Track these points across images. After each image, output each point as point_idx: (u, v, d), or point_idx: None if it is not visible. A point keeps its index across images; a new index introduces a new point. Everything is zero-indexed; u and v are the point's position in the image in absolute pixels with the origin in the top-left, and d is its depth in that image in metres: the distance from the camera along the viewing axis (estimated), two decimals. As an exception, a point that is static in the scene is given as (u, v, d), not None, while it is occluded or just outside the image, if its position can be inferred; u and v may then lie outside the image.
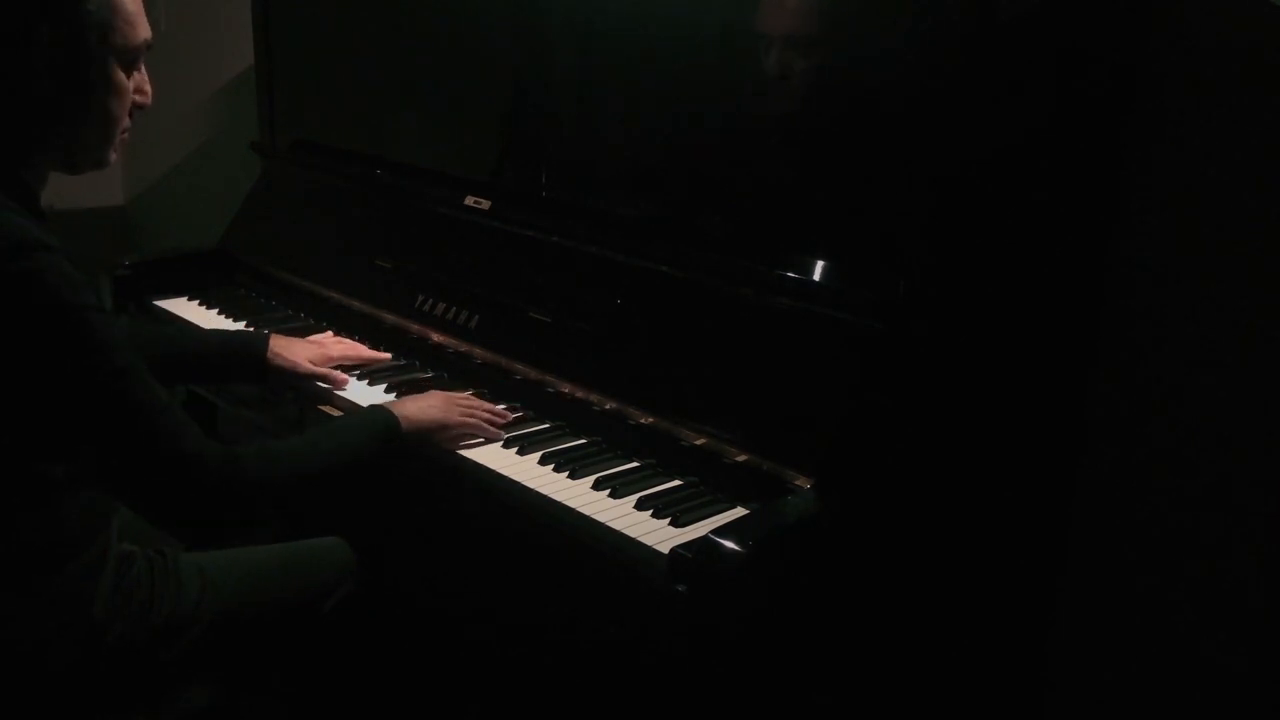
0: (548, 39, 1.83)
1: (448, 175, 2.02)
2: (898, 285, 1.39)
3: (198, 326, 2.09)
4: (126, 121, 1.33)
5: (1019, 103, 1.41)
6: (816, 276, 1.47)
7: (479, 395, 1.72)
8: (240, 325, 2.09)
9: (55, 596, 1.30)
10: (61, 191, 1.33)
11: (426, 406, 1.55)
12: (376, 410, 1.53)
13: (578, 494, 1.44)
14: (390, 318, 1.97)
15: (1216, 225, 1.56)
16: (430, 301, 1.90)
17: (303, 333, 2.03)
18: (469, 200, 1.93)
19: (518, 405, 1.69)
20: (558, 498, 1.44)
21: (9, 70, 1.22)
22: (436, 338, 1.88)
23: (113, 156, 1.35)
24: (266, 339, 1.80)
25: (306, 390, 1.79)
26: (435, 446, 1.55)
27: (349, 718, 1.86)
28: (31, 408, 1.22)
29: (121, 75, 1.29)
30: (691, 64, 1.62)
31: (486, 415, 1.60)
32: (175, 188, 3.19)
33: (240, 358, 1.79)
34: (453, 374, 1.81)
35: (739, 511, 1.38)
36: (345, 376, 1.79)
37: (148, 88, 1.35)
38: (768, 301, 1.50)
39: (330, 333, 1.98)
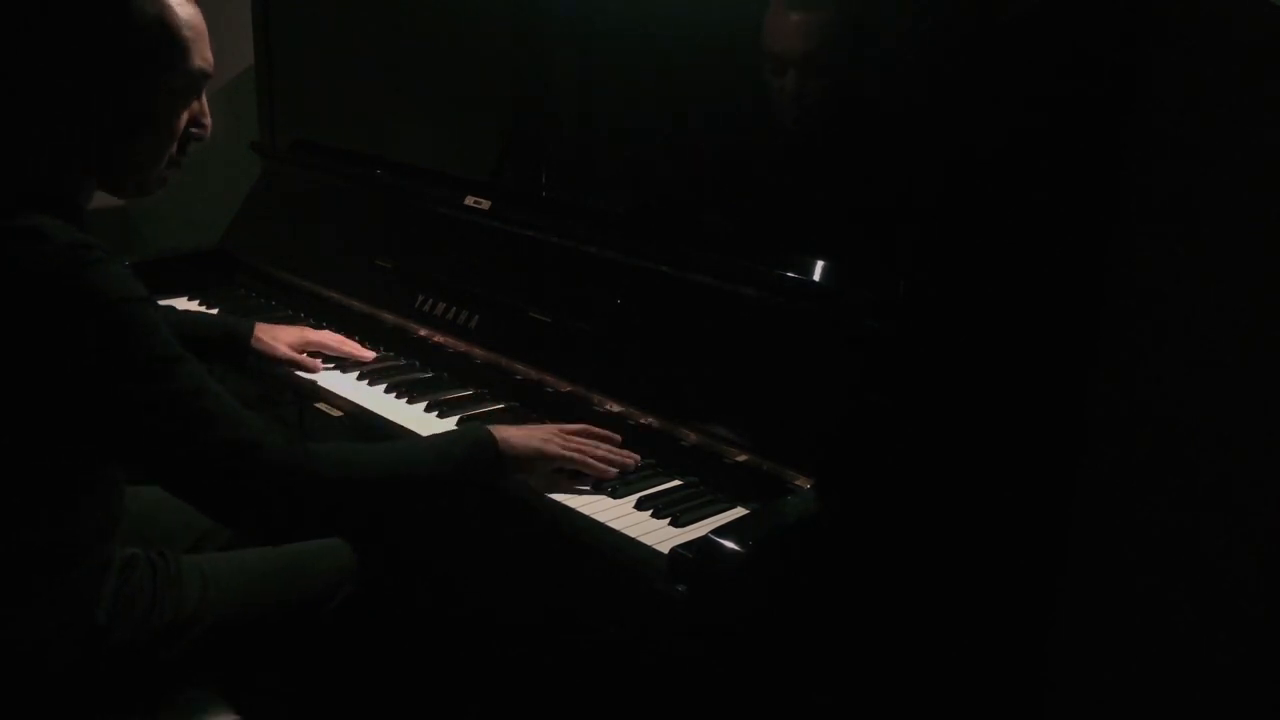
0: (548, 39, 1.83)
1: (448, 175, 2.02)
2: (898, 285, 1.39)
3: (186, 310, 2.12)
4: (174, 149, 1.30)
5: (1019, 103, 1.41)
6: (816, 276, 1.47)
7: (481, 394, 1.72)
8: (240, 325, 2.10)
9: (58, 599, 1.30)
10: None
11: (528, 434, 1.42)
12: (473, 427, 1.44)
13: (578, 494, 1.44)
14: (390, 318, 1.97)
15: (1216, 225, 1.56)
16: (430, 301, 1.90)
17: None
18: (469, 200, 1.93)
19: (516, 404, 1.69)
20: (558, 498, 1.43)
21: (61, 90, 1.21)
22: (436, 338, 1.88)
23: (160, 184, 1.32)
24: (252, 325, 1.85)
25: (282, 375, 1.82)
26: (535, 479, 1.42)
27: (350, 718, 1.87)
28: (64, 407, 1.20)
29: (176, 104, 1.26)
30: (691, 64, 1.61)
31: (599, 452, 1.45)
32: (175, 188, 3.18)
33: (223, 340, 1.83)
34: (453, 374, 1.81)
35: (739, 511, 1.38)
36: (318, 363, 1.82)
37: (207, 120, 1.32)
38: (768, 301, 1.50)
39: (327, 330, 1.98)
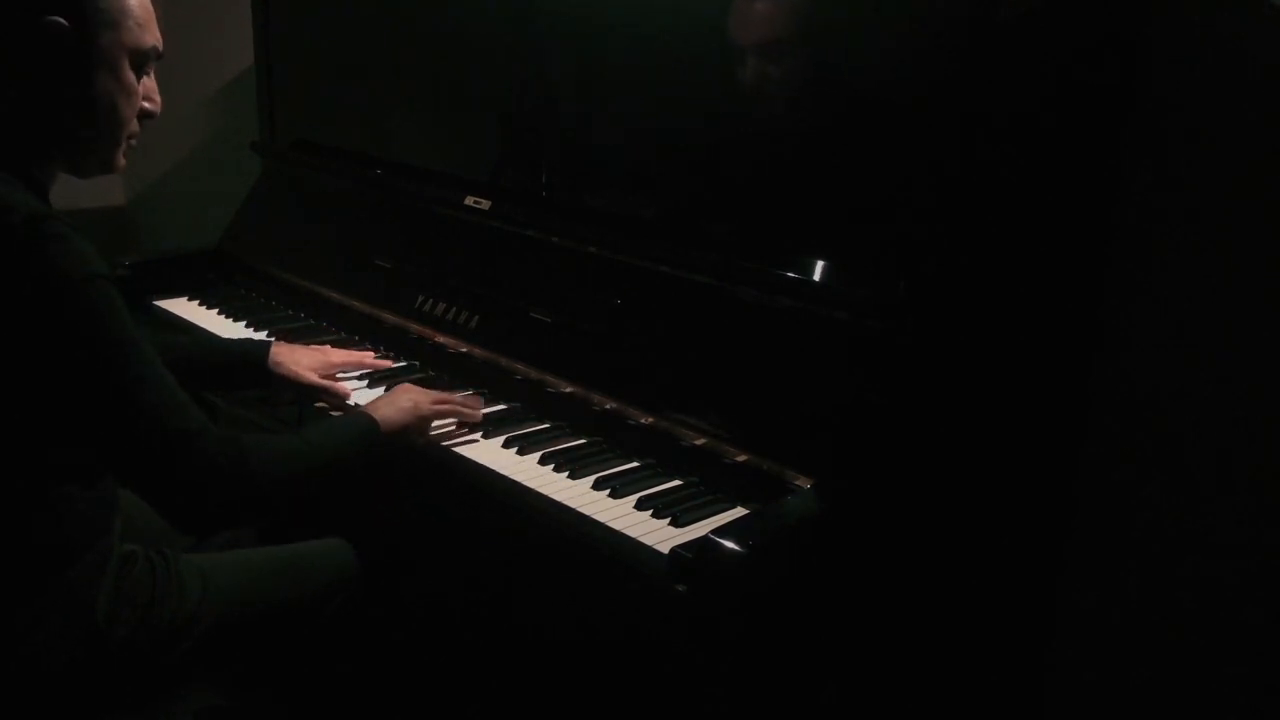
0: (548, 39, 1.83)
1: (448, 175, 2.02)
2: (898, 285, 1.39)
3: (206, 332, 2.08)
4: (134, 126, 1.33)
5: (1019, 103, 1.41)
6: (817, 276, 1.47)
7: (480, 394, 1.72)
8: (240, 325, 2.09)
9: (57, 598, 1.30)
10: (62, 192, 1.34)
11: (399, 408, 1.55)
12: (358, 416, 1.53)
13: (578, 494, 1.44)
14: (390, 318, 1.97)
15: (1216, 225, 1.56)
16: (430, 301, 1.90)
17: (303, 333, 2.03)
18: (469, 200, 1.93)
19: (517, 404, 1.70)
20: (558, 498, 1.44)
21: (18, 62, 1.23)
22: (436, 338, 1.88)
23: (121, 162, 1.35)
24: (268, 347, 1.79)
25: (309, 397, 1.78)
26: (416, 439, 1.57)
27: (350, 718, 1.87)
28: (36, 385, 1.20)
29: (130, 75, 1.29)
30: (692, 63, 1.61)
31: (458, 401, 1.63)
32: (175, 188, 3.19)
33: (243, 366, 1.79)
34: (453, 374, 1.81)
35: (739, 511, 1.38)
36: (349, 389, 1.77)
37: (157, 97, 1.36)
38: (768, 301, 1.50)
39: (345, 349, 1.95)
